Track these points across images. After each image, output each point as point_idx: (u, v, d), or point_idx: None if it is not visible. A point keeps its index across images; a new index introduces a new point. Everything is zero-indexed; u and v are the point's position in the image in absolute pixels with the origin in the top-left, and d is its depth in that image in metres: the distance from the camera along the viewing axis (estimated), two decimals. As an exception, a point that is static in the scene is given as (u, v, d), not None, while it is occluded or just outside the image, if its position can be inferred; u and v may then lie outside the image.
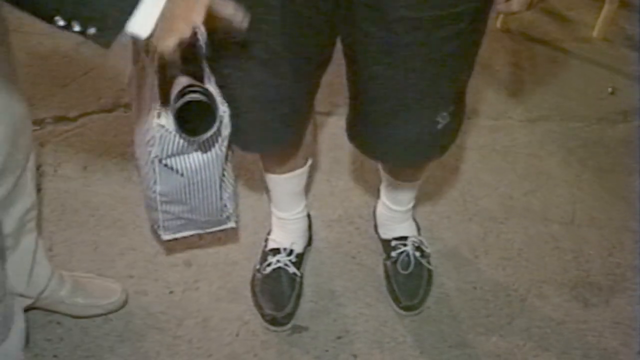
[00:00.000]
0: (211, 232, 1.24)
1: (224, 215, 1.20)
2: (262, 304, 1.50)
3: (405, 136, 1.16)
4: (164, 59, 0.94)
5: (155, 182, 1.08)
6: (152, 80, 0.97)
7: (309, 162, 1.50)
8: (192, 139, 0.98)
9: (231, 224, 1.23)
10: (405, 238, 1.59)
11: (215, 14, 0.80)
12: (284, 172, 1.46)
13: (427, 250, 1.61)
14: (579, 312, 1.55)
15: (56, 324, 1.45)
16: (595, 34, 2.40)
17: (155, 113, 0.97)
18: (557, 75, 2.27)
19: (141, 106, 1.06)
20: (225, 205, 1.18)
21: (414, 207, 1.61)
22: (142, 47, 1.02)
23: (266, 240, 1.60)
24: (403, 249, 1.57)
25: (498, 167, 1.92)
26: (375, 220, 1.68)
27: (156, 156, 1.03)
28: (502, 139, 2.01)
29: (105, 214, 1.71)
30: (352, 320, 1.50)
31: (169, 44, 0.77)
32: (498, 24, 2.40)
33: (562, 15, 2.46)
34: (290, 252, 1.55)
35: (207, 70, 0.98)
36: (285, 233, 1.58)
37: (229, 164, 1.14)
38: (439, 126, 1.13)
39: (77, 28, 0.71)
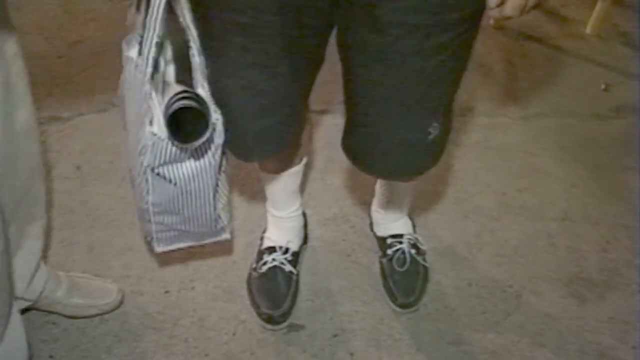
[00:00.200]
0: (205, 244, 1.23)
1: (218, 227, 1.18)
2: (258, 302, 1.50)
3: (397, 149, 1.14)
4: None
5: (147, 192, 1.06)
6: (142, 88, 0.96)
7: (304, 160, 1.50)
8: (184, 146, 0.97)
9: (226, 236, 1.22)
10: (400, 236, 1.59)
11: None
12: (279, 171, 1.46)
13: (423, 248, 1.61)
14: (574, 308, 1.55)
15: (52, 324, 1.45)
16: (588, 31, 2.40)
17: (147, 121, 0.96)
18: (551, 72, 2.27)
19: (131, 115, 1.05)
20: (220, 216, 1.16)
21: (410, 204, 1.61)
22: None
23: (262, 239, 1.60)
24: (399, 246, 1.58)
25: (493, 164, 1.93)
26: (370, 218, 1.68)
27: (148, 165, 1.01)
28: (496, 137, 2.02)
29: (101, 214, 1.71)
30: (348, 319, 1.51)
31: None
32: (492, 22, 2.41)
33: (555, 13, 2.47)
34: (286, 251, 1.55)
35: (199, 79, 0.97)
36: (281, 231, 1.58)
37: (223, 174, 1.13)
38: (430, 137, 1.12)
39: None
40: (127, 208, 1.71)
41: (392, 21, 0.97)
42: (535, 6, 0.92)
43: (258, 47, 1.02)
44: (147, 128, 0.96)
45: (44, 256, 1.41)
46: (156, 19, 0.92)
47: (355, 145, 1.20)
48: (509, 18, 0.92)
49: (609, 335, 1.49)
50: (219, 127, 1.02)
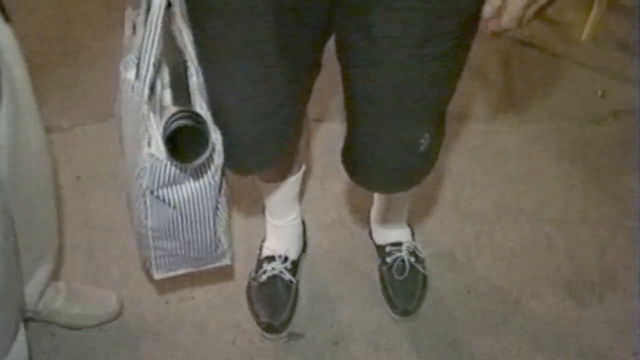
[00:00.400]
0: (205, 270, 1.21)
1: (219, 251, 1.16)
2: (258, 312, 1.50)
3: (391, 160, 1.15)
4: None
5: (146, 216, 1.04)
6: (140, 110, 0.95)
7: (303, 168, 1.51)
8: (184, 165, 0.96)
9: (226, 261, 1.20)
10: (399, 244, 1.60)
11: None
12: (278, 180, 1.47)
13: (422, 255, 1.61)
14: (573, 310, 1.55)
15: (50, 335, 1.45)
16: (584, 36, 2.41)
17: (144, 142, 0.95)
18: (547, 77, 2.28)
19: (128, 138, 1.04)
20: (220, 240, 1.15)
21: (408, 211, 1.62)
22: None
23: (261, 247, 1.61)
24: (398, 254, 1.58)
25: (490, 168, 1.93)
26: (369, 226, 1.69)
27: (147, 187, 0.99)
28: (494, 141, 2.02)
29: (99, 223, 1.71)
30: (348, 326, 1.51)
31: None
32: (488, 31, 2.41)
33: (551, 18, 2.48)
34: (285, 259, 1.56)
35: (198, 99, 0.97)
36: (280, 240, 1.58)
37: (223, 197, 1.11)
38: (422, 148, 1.13)
39: None
40: (125, 217, 1.71)
41: (385, 30, 0.97)
42: (530, 20, 0.91)
43: (254, 52, 1.02)
44: (145, 150, 0.95)
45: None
46: (153, 40, 0.92)
47: (354, 158, 1.21)
48: (506, 30, 0.90)
49: (608, 337, 1.49)
50: (219, 147, 1.01)
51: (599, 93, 2.22)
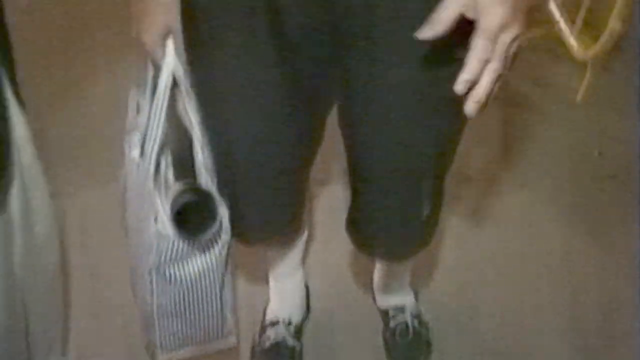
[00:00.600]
0: (210, 353, 1.19)
1: (225, 330, 1.15)
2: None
3: (392, 232, 1.18)
4: None
5: (152, 294, 1.04)
6: (145, 187, 0.97)
7: (305, 233, 1.52)
8: (191, 239, 0.96)
9: (232, 341, 1.19)
10: (402, 308, 1.60)
11: None
12: (281, 246, 1.48)
13: (426, 319, 1.61)
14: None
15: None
16: (579, 98, 2.46)
17: (151, 219, 0.96)
18: (544, 139, 2.31)
19: (133, 216, 1.05)
20: (227, 318, 1.14)
21: (410, 275, 1.62)
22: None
23: (264, 312, 1.60)
24: (401, 318, 1.57)
25: (490, 230, 1.94)
26: (372, 291, 1.69)
27: (153, 265, 1.00)
28: (493, 203, 2.04)
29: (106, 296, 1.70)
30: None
31: None
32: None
33: (546, 82, 2.53)
34: (289, 323, 1.55)
35: (204, 174, 0.99)
36: (284, 303, 1.58)
37: (229, 275, 1.11)
38: (423, 217, 1.15)
39: None
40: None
41: (385, 84, 0.99)
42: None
43: (262, 116, 1.04)
44: (152, 227, 0.96)
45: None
46: (159, 120, 0.95)
47: (357, 228, 1.23)
48: (486, 104, 0.86)
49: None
50: (225, 224, 1.02)
51: (596, 153, 2.25)
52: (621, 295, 1.74)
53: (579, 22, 2.40)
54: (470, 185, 2.09)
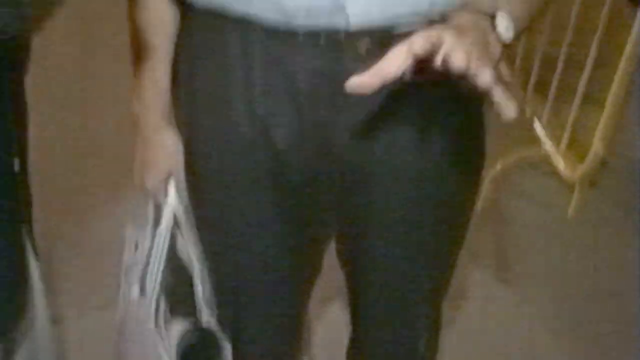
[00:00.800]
0: None
1: None
2: None
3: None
4: None
5: None
6: (145, 325, 0.99)
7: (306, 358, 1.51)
8: None
9: None
10: None
11: None
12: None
13: None
14: None
15: None
16: (570, 214, 2.51)
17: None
18: (539, 256, 2.34)
19: (132, 354, 1.07)
20: None
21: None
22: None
23: None
24: None
25: (488, 349, 1.92)
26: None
27: None
28: (490, 322, 2.03)
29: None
30: None
31: None
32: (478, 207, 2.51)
33: (537, 200, 2.59)
34: None
35: (203, 307, 1.02)
36: None
37: None
38: (422, 348, 1.17)
39: None
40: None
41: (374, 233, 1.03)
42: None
43: (264, 263, 1.07)
44: None
45: None
46: (160, 257, 0.98)
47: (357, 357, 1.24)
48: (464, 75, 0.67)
49: None
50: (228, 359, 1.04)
51: (592, 268, 2.27)
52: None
53: (564, 143, 2.50)
54: (467, 304, 2.10)
